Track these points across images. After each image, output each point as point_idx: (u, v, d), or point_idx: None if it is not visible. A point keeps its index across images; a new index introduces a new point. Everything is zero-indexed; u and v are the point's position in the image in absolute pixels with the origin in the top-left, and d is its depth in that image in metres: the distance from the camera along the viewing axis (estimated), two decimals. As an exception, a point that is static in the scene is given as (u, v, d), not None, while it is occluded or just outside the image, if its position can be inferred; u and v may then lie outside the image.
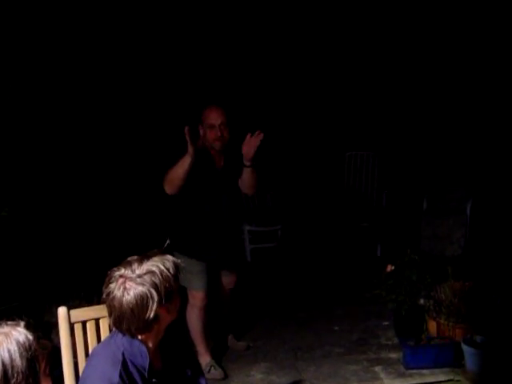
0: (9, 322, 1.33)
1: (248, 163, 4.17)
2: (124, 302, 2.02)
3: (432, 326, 4.53)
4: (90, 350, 2.50)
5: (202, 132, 4.19)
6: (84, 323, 2.52)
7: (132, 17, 6.74)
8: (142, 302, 2.02)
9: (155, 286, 2.03)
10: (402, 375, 4.18)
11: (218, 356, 4.42)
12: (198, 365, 2.49)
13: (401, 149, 7.68)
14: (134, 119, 6.98)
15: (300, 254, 7.07)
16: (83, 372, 2.19)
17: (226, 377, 4.17)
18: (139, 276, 2.04)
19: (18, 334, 1.30)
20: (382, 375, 4.18)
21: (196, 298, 4.19)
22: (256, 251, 6.97)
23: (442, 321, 4.42)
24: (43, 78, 6.15)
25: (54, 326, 3.76)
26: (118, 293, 2.04)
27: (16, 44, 5.71)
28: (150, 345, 2.14)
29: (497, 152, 7.18)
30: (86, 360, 2.30)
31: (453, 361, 4.22)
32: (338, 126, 7.67)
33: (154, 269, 2.06)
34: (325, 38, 7.45)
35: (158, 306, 2.03)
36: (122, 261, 2.14)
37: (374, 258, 6.83)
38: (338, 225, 7.48)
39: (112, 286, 2.06)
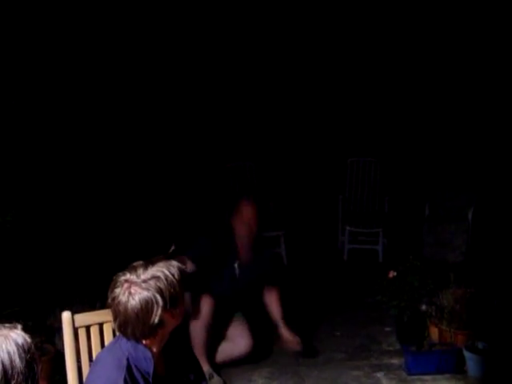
0: (6, 325, 1.35)
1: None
2: (129, 306, 2.04)
3: (434, 332, 4.55)
4: (94, 355, 2.52)
5: (233, 222, 4.44)
6: (88, 328, 2.53)
7: (131, 14, 6.77)
8: (146, 306, 2.03)
9: (160, 291, 2.04)
10: (403, 381, 4.19)
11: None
12: (201, 369, 2.50)
13: (403, 155, 7.69)
14: (138, 124, 7.01)
15: (302, 259, 7.08)
16: (87, 377, 2.20)
17: None
18: (144, 281, 2.05)
19: (17, 335, 1.31)
20: (384, 381, 4.19)
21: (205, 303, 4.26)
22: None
23: (443, 327, 4.43)
24: (45, 80, 6.16)
25: (57, 330, 3.80)
26: (123, 297, 2.05)
27: (16, 43, 5.72)
28: (155, 350, 2.15)
29: (498, 158, 7.19)
30: (90, 365, 2.31)
31: (455, 367, 4.23)
32: (339, 133, 7.69)
33: (158, 274, 2.07)
34: (327, 41, 7.48)
35: (162, 311, 2.04)
36: (126, 266, 2.16)
37: (376, 264, 6.84)
38: (340, 230, 7.51)
39: (117, 290, 2.07)
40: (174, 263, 2.16)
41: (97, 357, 2.27)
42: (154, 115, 7.17)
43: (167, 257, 2.20)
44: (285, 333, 4.52)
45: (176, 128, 7.22)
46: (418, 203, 7.35)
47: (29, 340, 1.35)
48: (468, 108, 7.37)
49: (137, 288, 2.04)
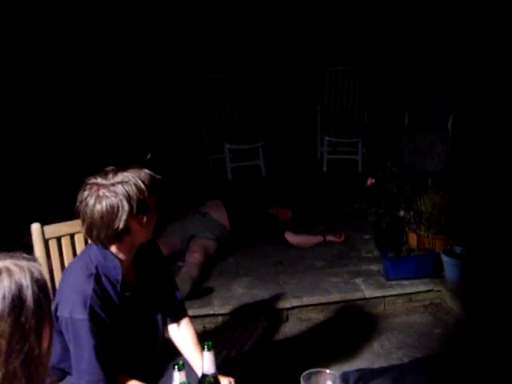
0: (25, 255, 1.26)
1: None
2: (95, 209, 2.00)
3: (412, 238, 4.56)
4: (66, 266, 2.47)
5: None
6: (59, 239, 2.47)
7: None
8: (112, 210, 1.99)
9: (127, 196, 2.00)
10: (382, 286, 4.22)
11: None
12: (173, 280, 2.47)
13: (382, 63, 7.55)
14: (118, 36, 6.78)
15: (281, 171, 7.05)
16: (59, 285, 2.17)
17: None
18: (112, 184, 2.00)
19: (34, 269, 1.23)
20: (363, 287, 4.21)
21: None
22: (237, 170, 6.92)
23: (421, 232, 4.44)
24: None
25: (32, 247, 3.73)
26: (90, 200, 2.01)
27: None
28: (123, 258, 2.12)
29: (478, 64, 7.08)
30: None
31: (433, 271, 4.27)
32: (317, 41, 7.50)
33: (128, 179, 2.02)
34: None
35: (128, 217, 2.00)
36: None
37: (356, 174, 6.82)
38: (318, 141, 7.45)
39: (85, 193, 2.02)
40: (147, 171, 2.10)
41: (68, 266, 2.24)
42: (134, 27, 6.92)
43: (142, 165, 2.13)
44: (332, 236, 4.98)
45: (154, 39, 7.00)
46: (397, 112, 7.27)
47: (45, 276, 1.27)
48: (446, 14, 7.18)
49: (105, 191, 1.99)
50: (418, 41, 7.34)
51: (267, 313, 4.03)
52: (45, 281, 1.25)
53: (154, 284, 2.29)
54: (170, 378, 1.76)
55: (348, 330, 3.92)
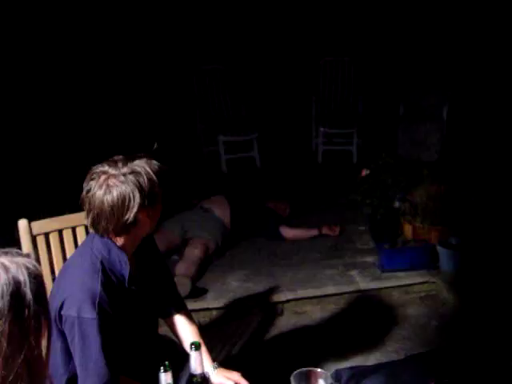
0: (19, 251, 1.22)
1: None
2: (105, 200, 1.92)
3: (407, 230, 4.53)
4: (55, 263, 2.43)
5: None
6: (47, 235, 2.43)
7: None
8: (123, 201, 1.92)
9: (140, 187, 1.93)
10: (377, 278, 4.19)
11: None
12: (170, 273, 2.44)
13: (377, 54, 7.50)
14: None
15: (275, 162, 7.01)
16: (58, 284, 2.06)
17: None
18: (124, 174, 1.93)
19: (30, 265, 1.19)
20: (358, 279, 4.19)
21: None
22: (231, 162, 6.88)
23: (417, 224, 4.41)
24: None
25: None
26: (99, 190, 1.93)
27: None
28: (128, 251, 2.06)
29: (473, 55, 7.03)
30: (60, 270, 2.19)
31: (428, 263, 4.24)
32: (312, 32, 7.44)
33: (139, 169, 1.95)
34: None
35: (139, 209, 1.94)
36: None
37: (351, 165, 6.78)
38: (313, 132, 7.41)
39: (93, 182, 1.95)
40: (155, 162, 2.03)
41: (68, 261, 2.17)
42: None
43: (149, 155, 2.06)
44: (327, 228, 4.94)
45: (148, 31, 6.94)
46: (392, 102, 7.23)
47: (41, 272, 1.23)
48: (440, 4, 7.13)
49: (115, 181, 1.92)
50: (413, 31, 7.28)
51: (262, 306, 3.99)
52: (42, 277, 1.22)
53: (152, 278, 2.25)
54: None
55: (343, 322, 3.89)
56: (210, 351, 2.33)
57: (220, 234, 4.64)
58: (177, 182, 5.61)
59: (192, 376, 1.77)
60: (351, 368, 1.95)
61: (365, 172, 4.59)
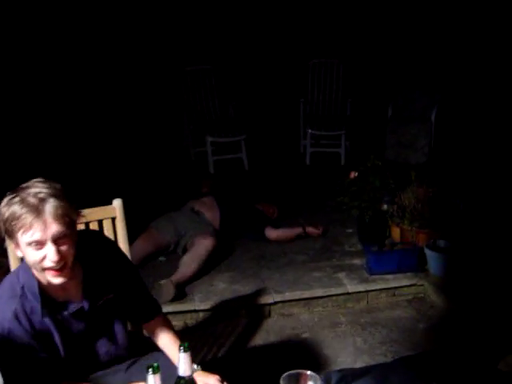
0: None
1: None
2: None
3: (395, 232, 4.52)
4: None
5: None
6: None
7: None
8: None
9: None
10: (365, 281, 4.17)
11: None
12: (141, 281, 2.34)
13: (365, 56, 7.51)
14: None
15: (263, 164, 7.00)
16: None
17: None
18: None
19: None
20: (346, 281, 4.16)
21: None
22: (219, 163, 6.85)
23: (405, 226, 4.39)
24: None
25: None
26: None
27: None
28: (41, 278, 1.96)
29: (463, 56, 7.06)
30: None
31: (416, 265, 4.23)
32: (300, 34, 7.43)
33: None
34: None
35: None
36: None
37: (339, 167, 6.78)
38: (302, 134, 7.40)
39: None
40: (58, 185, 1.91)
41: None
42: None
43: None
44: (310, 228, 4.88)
45: (136, 31, 6.90)
46: (380, 105, 7.24)
47: None
48: (428, 6, 7.15)
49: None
50: (402, 33, 7.30)
51: (249, 308, 3.96)
52: None
53: (114, 292, 2.15)
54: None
55: (331, 325, 3.88)
56: (197, 353, 2.31)
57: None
58: (164, 184, 5.65)
59: (180, 378, 1.74)
60: (340, 370, 1.93)
61: (353, 174, 4.57)
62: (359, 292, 4.11)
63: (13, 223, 1.80)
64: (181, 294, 3.97)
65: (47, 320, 1.96)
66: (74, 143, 6.49)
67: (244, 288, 4.09)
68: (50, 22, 6.41)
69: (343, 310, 4.06)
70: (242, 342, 3.69)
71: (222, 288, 4.10)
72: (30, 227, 1.80)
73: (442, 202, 4.40)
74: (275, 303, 3.98)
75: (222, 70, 7.30)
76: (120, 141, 6.85)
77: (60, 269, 1.88)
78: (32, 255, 1.85)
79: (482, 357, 2.54)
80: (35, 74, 6.43)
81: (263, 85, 7.48)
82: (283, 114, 7.48)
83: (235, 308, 3.94)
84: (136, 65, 7.01)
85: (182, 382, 1.72)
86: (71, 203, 1.90)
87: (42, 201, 1.81)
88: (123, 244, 2.58)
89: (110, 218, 2.54)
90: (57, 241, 1.84)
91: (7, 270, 3.18)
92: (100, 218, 2.53)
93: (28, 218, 1.79)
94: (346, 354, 3.52)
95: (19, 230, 1.81)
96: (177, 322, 3.80)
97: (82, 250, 2.01)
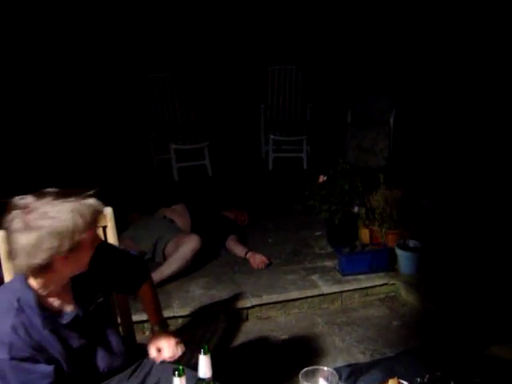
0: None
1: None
2: (20, 237, 1.76)
3: (365, 234, 4.64)
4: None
5: None
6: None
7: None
8: (37, 243, 1.76)
9: (57, 232, 1.77)
10: (339, 282, 4.27)
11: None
12: (128, 257, 2.40)
13: (323, 61, 7.65)
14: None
15: (226, 170, 7.05)
16: None
17: None
18: (45, 213, 1.77)
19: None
20: (320, 283, 4.25)
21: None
22: (183, 170, 6.87)
23: (375, 228, 4.51)
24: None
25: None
26: (16, 225, 1.77)
27: None
28: (49, 290, 1.94)
29: (418, 60, 7.25)
30: None
31: (387, 265, 4.35)
32: (259, 41, 7.52)
33: (62, 215, 1.79)
34: None
35: (54, 254, 1.79)
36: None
37: (301, 172, 6.89)
38: (263, 140, 7.48)
39: (12, 215, 1.79)
40: (91, 202, 1.87)
41: None
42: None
43: (87, 193, 1.90)
44: (253, 256, 4.59)
45: (95, 38, 6.87)
46: (340, 110, 7.38)
47: None
48: (382, 10, 7.33)
49: (34, 218, 1.77)
50: (358, 39, 7.47)
51: (227, 313, 4.00)
52: None
53: (103, 295, 2.16)
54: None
55: (308, 326, 3.95)
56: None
57: None
58: (127, 192, 5.62)
59: (200, 380, 1.78)
60: (348, 366, 2.01)
61: (322, 178, 4.66)
62: (334, 293, 4.21)
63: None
64: None
65: (46, 333, 1.92)
66: (32, 150, 6.42)
67: (221, 293, 4.13)
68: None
69: (319, 310, 4.14)
70: (222, 346, 3.73)
71: (198, 294, 4.13)
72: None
73: (409, 203, 4.54)
74: (253, 307, 4.03)
75: (183, 77, 7.33)
76: (83, 148, 6.81)
77: None
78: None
79: (467, 344, 2.67)
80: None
81: (224, 91, 7.54)
82: (244, 120, 7.56)
83: (213, 313, 3.97)
84: (97, 71, 6.98)
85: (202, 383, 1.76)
86: None
87: None
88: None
89: (100, 226, 2.54)
90: None
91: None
92: (91, 226, 2.52)
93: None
94: (326, 354, 3.60)
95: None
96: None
97: None
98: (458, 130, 6.75)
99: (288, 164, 7.20)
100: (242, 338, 3.83)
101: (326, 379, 1.66)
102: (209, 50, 7.41)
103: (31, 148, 6.49)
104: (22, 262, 1.79)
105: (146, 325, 3.54)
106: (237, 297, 4.08)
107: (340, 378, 1.82)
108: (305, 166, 7.12)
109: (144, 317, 3.12)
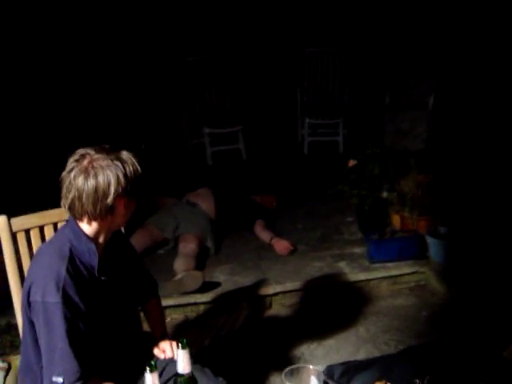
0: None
1: None
2: (87, 182, 1.87)
3: (396, 220, 4.50)
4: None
5: None
6: (27, 231, 2.34)
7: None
8: (106, 186, 1.88)
9: (124, 173, 1.90)
10: (366, 269, 4.15)
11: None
12: (142, 264, 2.42)
13: (362, 43, 7.45)
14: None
15: (261, 154, 6.96)
16: (29, 270, 2.04)
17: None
18: (111, 159, 1.89)
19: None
20: (347, 270, 4.14)
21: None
22: (217, 154, 6.82)
23: (405, 214, 4.38)
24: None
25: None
26: (81, 172, 1.88)
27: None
28: (100, 240, 2.02)
29: (460, 44, 7.00)
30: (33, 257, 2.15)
31: (417, 253, 4.20)
32: (296, 22, 7.38)
33: (125, 158, 1.94)
34: None
35: (120, 194, 1.90)
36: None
37: (337, 156, 6.74)
38: (299, 123, 7.37)
39: (76, 164, 1.90)
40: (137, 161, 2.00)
41: (37, 250, 2.12)
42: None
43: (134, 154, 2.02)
44: (277, 242, 4.50)
45: (132, 23, 6.85)
46: (378, 92, 7.18)
47: None
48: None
49: (100, 163, 1.88)
50: (398, 20, 7.25)
51: (250, 300, 3.93)
52: None
53: (124, 268, 2.21)
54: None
55: (333, 314, 3.84)
56: (198, 346, 2.31)
57: (209, 229, 4.56)
58: (162, 176, 5.61)
59: (179, 376, 1.71)
60: (343, 363, 1.90)
61: (352, 162, 4.53)
62: (360, 281, 4.09)
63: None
64: (206, 285, 3.96)
65: (93, 282, 1.98)
66: (67, 134, 6.43)
67: (244, 279, 4.07)
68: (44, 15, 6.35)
69: (345, 299, 4.03)
70: (243, 334, 3.66)
71: (223, 280, 4.08)
72: None
73: (441, 188, 4.37)
74: (276, 294, 3.95)
75: (219, 61, 7.25)
76: (118, 134, 6.80)
77: None
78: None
79: (486, 345, 2.51)
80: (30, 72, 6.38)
81: (260, 75, 7.43)
82: (280, 103, 7.44)
83: (236, 300, 3.91)
84: (133, 56, 6.95)
85: (180, 379, 1.69)
86: None
87: None
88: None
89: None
90: None
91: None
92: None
93: None
94: (349, 344, 3.50)
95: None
96: (177, 315, 3.80)
97: None
98: (500, 117, 6.49)
99: (324, 148, 7.06)
100: (264, 325, 3.76)
101: (316, 379, 1.56)
102: (245, 33, 7.30)
103: (64, 128, 6.50)
104: (88, 205, 1.89)
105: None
106: (260, 283, 4.01)
107: (332, 377, 1.72)
108: (341, 150, 6.98)
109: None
